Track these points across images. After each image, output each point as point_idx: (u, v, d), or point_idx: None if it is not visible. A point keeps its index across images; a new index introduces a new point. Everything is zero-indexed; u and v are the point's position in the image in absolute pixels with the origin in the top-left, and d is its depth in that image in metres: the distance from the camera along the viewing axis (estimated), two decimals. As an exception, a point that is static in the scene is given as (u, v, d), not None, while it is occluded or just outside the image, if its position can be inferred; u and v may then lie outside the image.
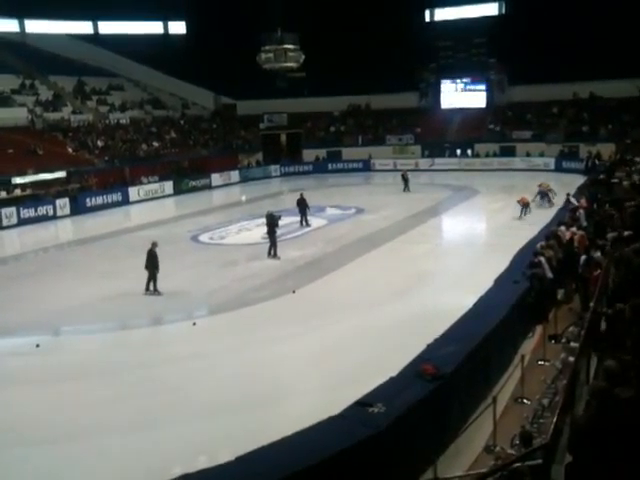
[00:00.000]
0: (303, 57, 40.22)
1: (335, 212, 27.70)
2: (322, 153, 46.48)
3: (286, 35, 39.89)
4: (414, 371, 8.10)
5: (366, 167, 44.78)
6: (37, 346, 12.78)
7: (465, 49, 48.89)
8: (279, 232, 20.11)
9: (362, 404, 7.27)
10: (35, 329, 14.04)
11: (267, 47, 39.78)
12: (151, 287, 16.07)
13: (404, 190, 32.92)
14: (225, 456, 6.61)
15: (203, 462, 7.15)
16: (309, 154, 46.78)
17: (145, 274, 16.09)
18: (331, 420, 6.91)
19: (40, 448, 8.76)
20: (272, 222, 19.65)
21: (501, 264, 13.94)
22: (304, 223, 24.20)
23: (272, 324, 13.57)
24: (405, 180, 33.17)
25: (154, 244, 16.41)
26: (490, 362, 9.53)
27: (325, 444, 6.42)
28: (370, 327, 12.78)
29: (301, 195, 24.55)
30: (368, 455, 6.57)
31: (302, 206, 24.21)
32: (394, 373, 8.15)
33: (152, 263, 16.04)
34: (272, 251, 19.32)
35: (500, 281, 12.46)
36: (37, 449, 8.73)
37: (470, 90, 47.47)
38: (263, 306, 14.94)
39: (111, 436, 8.99)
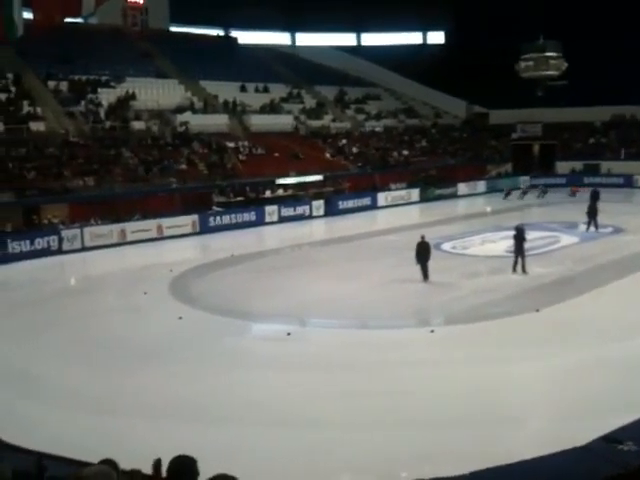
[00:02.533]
0: (565, 65, 38.23)
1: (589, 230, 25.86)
2: (578, 166, 43.65)
3: (548, 42, 38.28)
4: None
5: (627, 183, 41.02)
6: (288, 334, 13.93)
7: None
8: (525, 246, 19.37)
9: (610, 440, 6.78)
10: (287, 318, 15.32)
11: (527, 55, 38.55)
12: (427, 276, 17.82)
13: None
14: (450, 469, 6.61)
15: (427, 471, 7.20)
16: (563, 167, 44.23)
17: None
18: (575, 451, 6.54)
19: (276, 430, 9.39)
20: (521, 236, 18.96)
21: None
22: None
23: (510, 342, 13.16)
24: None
25: (422, 237, 18.14)
26: None
27: (566, 475, 6.12)
28: (618, 359, 11.73)
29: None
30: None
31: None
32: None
33: (421, 254, 17.74)
34: (519, 266, 18.67)
35: None
36: (272, 430, 9.38)
37: None
38: (502, 322, 14.55)
39: (340, 429, 9.39)
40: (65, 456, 5.33)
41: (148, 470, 3.89)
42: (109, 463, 3.74)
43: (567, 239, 23.95)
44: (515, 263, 18.71)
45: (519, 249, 18.74)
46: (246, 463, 8.40)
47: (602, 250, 21.93)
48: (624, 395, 9.61)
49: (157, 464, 3.85)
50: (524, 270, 18.57)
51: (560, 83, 39.73)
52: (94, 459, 4.00)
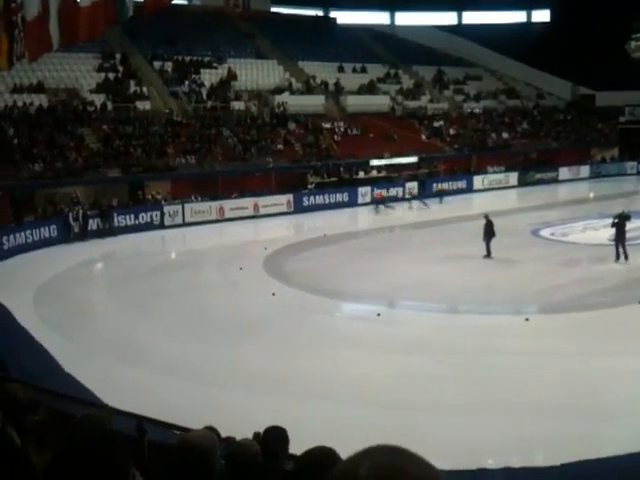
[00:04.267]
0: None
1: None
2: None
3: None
4: None
5: None
6: (378, 315, 14.03)
7: None
8: (630, 235, 18.47)
9: None
10: (377, 299, 15.41)
11: (639, 34, 36.30)
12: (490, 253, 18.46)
13: None
14: (540, 459, 6.52)
15: (515, 461, 7.11)
16: (674, 152, 41.57)
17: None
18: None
19: (362, 408, 9.49)
20: (622, 222, 18.10)
21: None
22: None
23: (609, 334, 12.63)
24: None
25: (486, 215, 18.81)
26: None
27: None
28: None
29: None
30: None
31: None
32: None
33: (487, 233, 18.22)
34: (621, 254, 17.87)
35: None
36: (357, 408, 9.52)
37: None
38: (603, 313, 14.01)
39: (429, 413, 9.41)
40: (165, 421, 5.62)
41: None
42: (211, 430, 3.96)
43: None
44: (617, 252, 17.92)
45: (619, 236, 17.92)
46: (336, 439, 8.61)
47: None
48: None
49: (256, 437, 4.05)
50: (626, 257, 17.76)
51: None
52: (192, 426, 4.23)
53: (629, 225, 18.52)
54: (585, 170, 39.77)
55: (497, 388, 10.27)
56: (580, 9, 42.43)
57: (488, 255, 18.74)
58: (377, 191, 30.18)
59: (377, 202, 28.06)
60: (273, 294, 15.55)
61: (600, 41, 38.65)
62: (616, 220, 18.21)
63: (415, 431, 8.86)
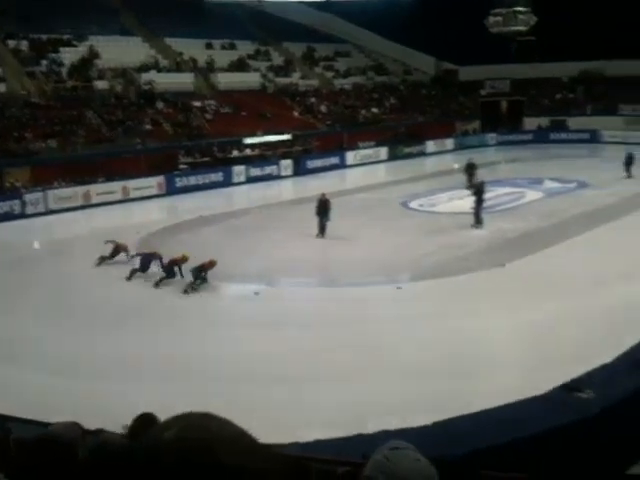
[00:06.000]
0: (534, 20, 38.05)
1: (554, 185, 26.18)
2: (545, 122, 43.94)
3: (518, -4, 38.00)
4: (631, 360, 7.56)
5: (594, 138, 41.47)
6: (256, 294, 13.97)
7: None
8: (490, 203, 19.63)
9: (570, 388, 6.99)
10: (255, 278, 15.34)
11: (496, 10, 38.22)
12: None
13: (628, 176, 26.37)
14: (419, 419, 6.78)
15: (397, 422, 7.36)
16: (530, 122, 44.43)
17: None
18: (534, 400, 6.76)
19: (249, 385, 9.56)
20: (480, 191, 19.27)
21: None
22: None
23: (478, 296, 13.39)
24: (628, 164, 26.49)
25: (323, 194, 18.71)
26: None
27: (527, 423, 6.31)
28: (583, 310, 12.06)
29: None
30: (572, 440, 6.33)
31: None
32: (606, 360, 7.69)
33: (321, 210, 18.21)
34: (476, 220, 19.03)
35: None
36: (246, 386, 9.53)
37: None
38: (470, 277, 14.78)
39: (312, 383, 9.58)
40: (35, 419, 5.28)
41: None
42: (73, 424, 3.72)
43: (532, 194, 24.24)
44: (477, 218, 19.04)
45: (478, 204, 19.05)
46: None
47: (567, 205, 22.26)
48: (589, 346, 9.86)
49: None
50: (479, 223, 19.05)
51: (528, 39, 39.59)
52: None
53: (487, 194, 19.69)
54: (450, 143, 41.55)
55: (374, 355, 10.57)
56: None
57: (321, 234, 18.62)
58: None
59: None
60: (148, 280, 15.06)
61: (462, 17, 40.23)
62: (475, 189, 19.42)
63: (294, 404, 8.98)
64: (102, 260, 16.49)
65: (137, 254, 16.13)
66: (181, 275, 14.69)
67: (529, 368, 9.80)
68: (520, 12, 38.17)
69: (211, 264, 14.34)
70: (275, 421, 8.34)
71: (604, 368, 7.53)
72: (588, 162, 34.20)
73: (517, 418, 6.54)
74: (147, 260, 15.33)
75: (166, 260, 14.99)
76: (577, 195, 24.33)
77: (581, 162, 33.56)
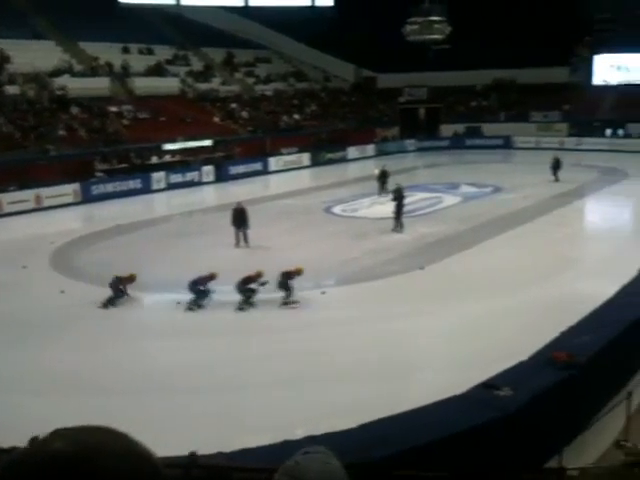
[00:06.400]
0: (449, 29, 39.24)
1: (470, 190, 27.02)
2: (461, 128, 45.36)
3: (433, 6, 39.08)
4: (546, 358, 7.84)
5: (507, 144, 43.16)
6: (178, 303, 13.66)
7: (625, 22, 45.32)
8: (410, 208, 20.06)
9: (488, 386, 7.17)
10: (177, 287, 14.98)
11: (413, 19, 39.17)
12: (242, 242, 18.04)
13: (555, 180, 27.75)
14: (348, 423, 6.79)
15: (326, 426, 7.35)
16: (447, 129, 45.80)
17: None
18: (456, 399, 6.88)
19: (179, 396, 9.39)
20: (400, 196, 19.67)
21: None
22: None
23: (401, 299, 13.61)
24: (555, 167, 27.85)
25: (239, 203, 18.37)
26: (629, 355, 9.01)
27: (448, 422, 6.42)
28: (501, 309, 12.47)
29: (383, 167, 22.46)
30: (490, 438, 6.49)
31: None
32: (524, 358, 7.94)
33: (237, 220, 18.02)
34: (397, 224, 19.40)
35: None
36: (177, 396, 9.37)
37: (627, 66, 44.10)
38: (393, 280, 15.01)
39: (240, 392, 9.46)
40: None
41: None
42: None
43: (450, 199, 24.91)
44: (396, 222, 19.40)
45: (398, 209, 19.42)
46: (138, 432, 8.27)
47: (484, 209, 22.99)
48: (508, 344, 10.16)
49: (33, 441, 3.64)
50: (400, 227, 19.40)
51: (444, 47, 40.77)
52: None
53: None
54: (371, 149, 42.18)
55: (300, 361, 10.52)
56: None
57: (239, 243, 18.33)
58: None
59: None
60: (62, 292, 14.47)
61: (379, 25, 40.96)
62: (394, 195, 19.84)
63: (221, 413, 8.82)
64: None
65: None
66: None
67: (453, 368, 10.02)
68: (436, 21, 39.29)
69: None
70: (203, 431, 8.19)
71: (520, 366, 7.76)
72: (502, 167, 35.58)
73: (440, 418, 6.65)
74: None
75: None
76: (492, 199, 25.19)
77: (495, 167, 34.84)
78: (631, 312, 9.37)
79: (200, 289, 13.56)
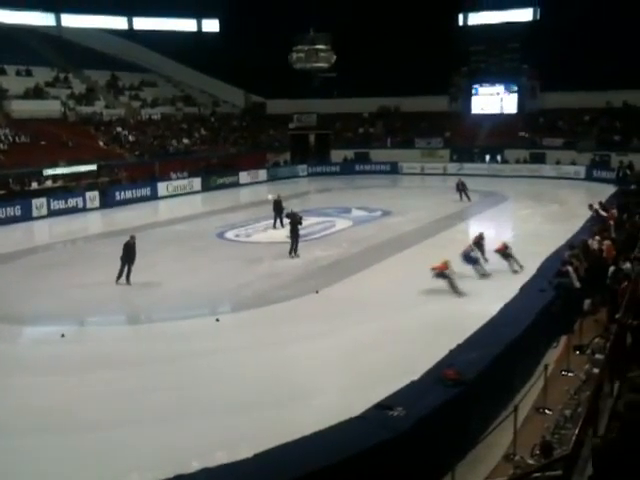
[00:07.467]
0: (334, 58, 40.33)
1: (361, 214, 27.66)
2: (350, 154, 46.49)
3: (318, 35, 40.06)
4: (436, 376, 8.07)
5: (394, 170, 44.64)
6: (62, 336, 12.91)
7: (498, 54, 48.49)
8: (303, 232, 20.21)
9: (382, 407, 7.27)
10: (60, 319, 14.22)
11: (299, 47, 39.93)
12: (123, 279, 16.49)
13: (461, 200, 30.14)
14: (243, 453, 6.66)
15: (221, 457, 7.17)
16: (337, 155, 46.80)
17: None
18: (351, 422, 6.92)
19: (60, 436, 8.88)
20: (295, 221, 19.78)
21: (527, 272, 13.82)
22: (277, 225, 23.98)
23: (295, 323, 13.60)
24: (460, 190, 30.24)
25: (132, 237, 16.97)
26: (513, 370, 9.45)
27: (343, 445, 6.43)
28: (394, 330, 12.73)
29: (278, 196, 24.72)
30: (386, 458, 6.56)
31: (278, 208, 24.11)
32: (416, 377, 8.13)
33: (128, 255, 16.56)
34: (293, 250, 19.46)
35: (526, 289, 12.35)
36: (57, 437, 8.85)
37: (501, 95, 47.08)
38: (287, 305, 14.97)
39: (131, 427, 9.07)
40: None
41: None
42: None
43: (342, 223, 25.36)
44: (291, 247, 19.46)
45: (293, 234, 19.52)
46: (21, 472, 7.81)
47: (374, 232, 23.56)
48: (402, 363, 10.37)
49: None
50: (295, 252, 19.45)
51: (329, 75, 41.78)
52: None
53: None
54: (263, 174, 42.30)
55: (196, 392, 10.24)
56: (246, 22, 44.92)
57: (120, 277, 16.58)
58: None
59: None
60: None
61: (267, 52, 41.43)
62: (289, 219, 19.94)
63: (112, 451, 8.39)
64: None
65: None
66: None
67: (348, 389, 10.08)
68: (321, 50, 40.25)
69: None
70: (90, 470, 7.77)
71: (412, 385, 7.94)
72: (390, 192, 36.74)
73: (336, 441, 6.66)
74: None
75: None
76: (382, 222, 25.88)
77: (384, 192, 35.92)
78: (513, 330, 9.85)
79: None
